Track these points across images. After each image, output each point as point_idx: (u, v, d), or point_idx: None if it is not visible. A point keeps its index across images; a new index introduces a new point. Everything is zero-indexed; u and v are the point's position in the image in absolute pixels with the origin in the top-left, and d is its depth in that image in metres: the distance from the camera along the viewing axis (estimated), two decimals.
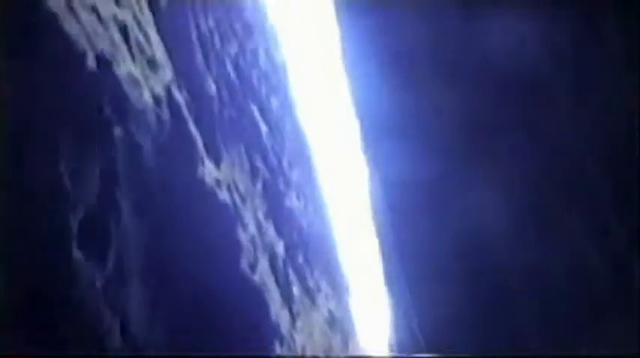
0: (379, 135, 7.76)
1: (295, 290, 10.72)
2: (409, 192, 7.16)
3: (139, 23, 6.44)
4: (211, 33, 9.53)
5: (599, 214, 3.91)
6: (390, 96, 6.87)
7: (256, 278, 7.61)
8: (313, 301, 12.40)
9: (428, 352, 8.60)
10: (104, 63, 5.00)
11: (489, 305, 5.38)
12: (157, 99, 5.68)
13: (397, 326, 18.88)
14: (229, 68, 10.34)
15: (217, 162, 7.01)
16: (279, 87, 16.39)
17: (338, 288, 15.59)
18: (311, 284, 12.58)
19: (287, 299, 9.36)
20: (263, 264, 8.36)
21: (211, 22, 9.52)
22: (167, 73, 6.48)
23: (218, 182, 6.42)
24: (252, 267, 7.54)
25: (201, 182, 6.00)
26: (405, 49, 5.97)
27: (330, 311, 14.01)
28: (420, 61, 5.75)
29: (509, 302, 4.92)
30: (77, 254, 3.90)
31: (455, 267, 6.30)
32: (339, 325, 14.49)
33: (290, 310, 9.58)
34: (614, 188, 3.80)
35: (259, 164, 10.24)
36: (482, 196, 5.26)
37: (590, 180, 3.90)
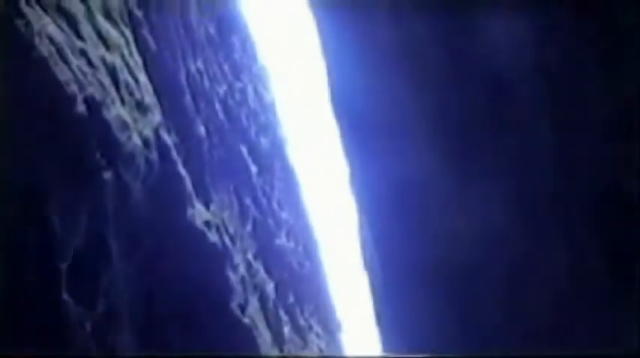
0: (364, 155, 7.79)
1: (286, 329, 10.62)
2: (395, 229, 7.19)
3: (128, 66, 6.52)
4: (200, 74, 9.65)
5: (585, 223, 3.87)
6: (376, 115, 6.95)
7: (246, 319, 7.54)
8: (304, 340, 12.28)
9: None
10: (94, 106, 5.05)
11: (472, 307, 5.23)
12: (145, 142, 5.73)
13: None
14: (218, 108, 10.43)
15: (207, 204, 7.03)
16: (268, 125, 16.51)
17: (329, 327, 15.44)
18: (302, 323, 12.47)
19: (277, 338, 9.26)
20: (253, 305, 8.30)
21: (200, 64, 9.65)
22: (156, 116, 6.53)
23: (207, 223, 6.43)
24: (242, 307, 7.48)
25: (191, 223, 6.00)
26: (388, 61, 6.00)
27: (320, 350, 13.85)
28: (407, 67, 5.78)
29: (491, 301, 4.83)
30: (66, 298, 3.88)
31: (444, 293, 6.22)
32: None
33: (280, 350, 9.48)
34: (612, 198, 3.76)
35: (249, 204, 10.26)
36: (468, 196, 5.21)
37: (583, 186, 3.85)
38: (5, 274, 3.80)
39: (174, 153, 6.23)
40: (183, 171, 6.32)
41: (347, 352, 17.90)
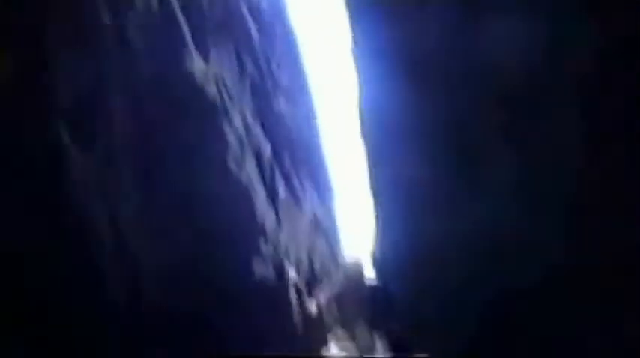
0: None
1: (281, 191, 10.92)
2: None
3: None
4: None
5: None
6: None
7: (243, 175, 7.76)
8: (298, 203, 12.68)
9: (411, 264, 8.93)
10: None
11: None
12: None
13: (381, 236, 19.49)
14: None
15: (206, 57, 6.95)
16: None
17: (323, 194, 15.89)
18: (296, 186, 12.80)
19: (272, 199, 9.58)
20: (250, 163, 8.49)
21: None
22: None
23: (206, 76, 6.40)
24: (239, 164, 7.66)
25: (190, 74, 5.98)
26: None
27: (314, 215, 14.35)
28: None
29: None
30: (65, 136, 3.98)
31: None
32: (323, 229, 14.90)
33: (275, 210, 9.83)
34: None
35: (248, 65, 10.14)
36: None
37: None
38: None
39: (174, 3, 6.06)
40: (182, 18, 6.19)
41: (339, 217, 18.60)
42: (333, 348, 8.89)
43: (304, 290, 10.83)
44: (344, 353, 9.05)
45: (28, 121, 3.81)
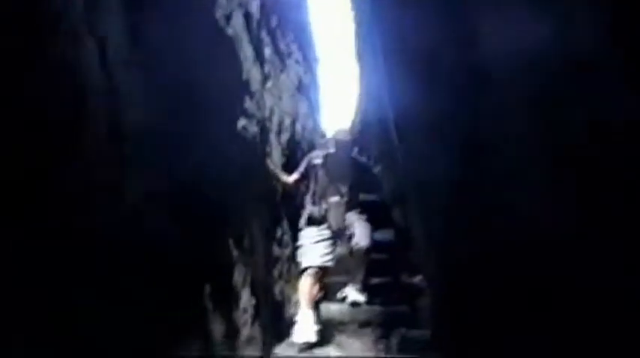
0: None
1: (267, 50, 10.73)
2: None
3: None
4: None
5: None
6: None
7: (230, 30, 7.57)
8: (284, 64, 12.51)
9: (395, 128, 9.00)
10: None
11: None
12: None
13: (365, 100, 19.50)
14: None
15: None
16: None
17: (308, 57, 15.64)
18: (282, 47, 12.56)
19: (259, 57, 9.43)
20: (237, 19, 8.25)
21: None
22: None
23: None
24: (227, 18, 7.45)
25: None
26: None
27: (299, 78, 14.23)
28: None
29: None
30: None
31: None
32: (306, 92, 14.86)
33: (262, 69, 9.72)
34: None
35: None
36: None
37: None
38: None
39: None
40: None
41: (323, 83, 18.46)
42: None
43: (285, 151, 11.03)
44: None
45: None
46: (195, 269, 5.97)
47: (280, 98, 11.38)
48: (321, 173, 10.26)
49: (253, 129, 8.37)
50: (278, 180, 10.18)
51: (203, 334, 5.96)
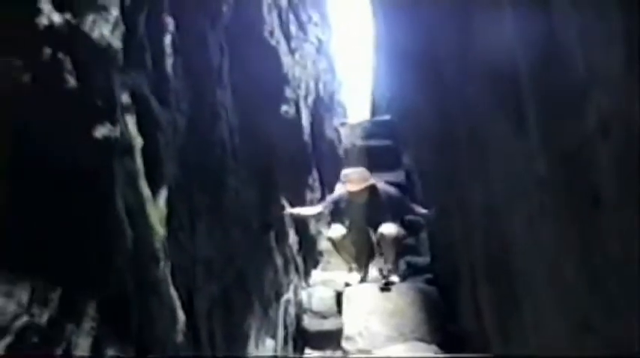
0: None
1: (292, 28, 13.76)
2: None
3: None
4: None
5: None
6: None
7: (273, 41, 10.71)
8: (305, 32, 15.54)
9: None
10: None
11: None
12: None
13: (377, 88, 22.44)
14: None
15: None
16: None
17: (326, 18, 18.55)
18: (304, 17, 15.55)
19: (288, 43, 12.53)
20: (277, 31, 11.35)
21: None
22: None
23: None
24: (271, 33, 10.58)
25: None
26: None
27: (318, 38, 17.24)
28: None
29: None
30: None
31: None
32: (325, 49, 17.89)
33: (291, 52, 12.85)
34: None
35: None
36: None
37: None
38: None
39: None
40: None
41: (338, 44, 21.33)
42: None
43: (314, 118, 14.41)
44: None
45: None
46: (263, 221, 9.50)
47: (305, 67, 14.56)
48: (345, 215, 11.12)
49: (292, 110, 11.73)
50: (300, 217, 11.64)
51: (272, 265, 9.56)
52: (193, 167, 6.08)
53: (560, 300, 3.68)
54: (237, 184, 8.03)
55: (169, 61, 5.31)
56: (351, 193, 10.50)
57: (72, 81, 2.81)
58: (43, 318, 2.58)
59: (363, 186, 10.40)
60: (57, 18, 2.65)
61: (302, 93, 13.87)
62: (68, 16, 2.85)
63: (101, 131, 3.11)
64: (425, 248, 12.46)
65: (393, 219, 10.54)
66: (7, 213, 2.54)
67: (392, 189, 10.80)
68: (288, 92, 11.68)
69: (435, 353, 8.91)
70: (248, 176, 8.81)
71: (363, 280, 10.92)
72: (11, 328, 2.36)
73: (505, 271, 5.22)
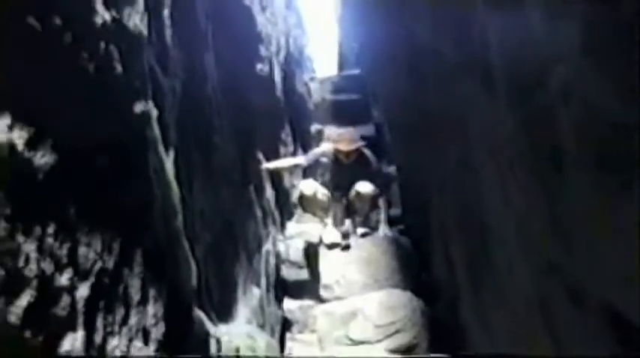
0: None
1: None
2: None
3: None
4: None
5: None
6: None
7: (247, 1, 11.10)
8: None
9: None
10: None
11: None
12: None
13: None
14: None
15: None
16: None
17: None
18: None
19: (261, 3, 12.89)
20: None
21: None
22: None
23: None
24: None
25: None
26: None
27: None
28: None
29: None
30: None
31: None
32: (294, 4, 18.19)
33: (260, 3, 13.18)
34: None
35: None
36: None
37: None
38: None
39: None
40: None
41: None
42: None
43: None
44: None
45: None
46: (244, 176, 10.10)
47: (276, 24, 14.94)
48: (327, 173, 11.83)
49: (266, 68, 12.21)
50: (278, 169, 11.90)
51: (253, 217, 10.20)
52: (188, 128, 6.62)
53: (527, 247, 4.35)
54: (222, 142, 8.58)
55: (168, 32, 5.77)
56: (340, 151, 11.13)
57: (119, 67, 3.35)
58: (110, 264, 3.20)
59: (354, 146, 11.04)
60: (107, 16, 3.19)
61: (274, 49, 14.29)
62: (114, 12, 3.37)
63: (139, 107, 3.68)
64: (396, 198, 13.25)
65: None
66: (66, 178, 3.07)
67: (373, 157, 11.51)
68: (262, 50, 12.12)
69: (409, 300, 9.61)
70: (229, 134, 9.36)
71: (345, 236, 11.55)
72: (92, 271, 2.96)
73: (477, 223, 5.89)
